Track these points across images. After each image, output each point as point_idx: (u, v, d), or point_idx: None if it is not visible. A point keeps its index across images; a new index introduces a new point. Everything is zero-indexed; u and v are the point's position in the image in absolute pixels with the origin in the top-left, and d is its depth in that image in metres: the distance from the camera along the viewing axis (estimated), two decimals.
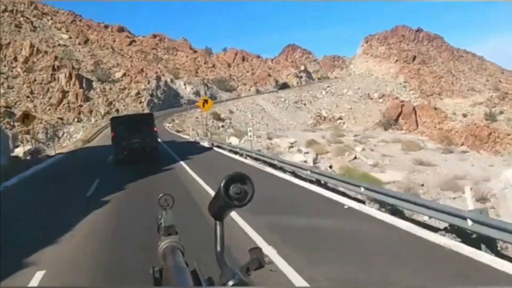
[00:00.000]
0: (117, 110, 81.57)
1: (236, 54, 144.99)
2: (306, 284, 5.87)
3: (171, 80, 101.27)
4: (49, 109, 73.61)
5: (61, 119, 72.91)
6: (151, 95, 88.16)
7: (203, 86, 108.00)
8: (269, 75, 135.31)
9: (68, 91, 79.30)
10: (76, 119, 74.98)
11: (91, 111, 78.18)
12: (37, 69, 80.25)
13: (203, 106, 34.36)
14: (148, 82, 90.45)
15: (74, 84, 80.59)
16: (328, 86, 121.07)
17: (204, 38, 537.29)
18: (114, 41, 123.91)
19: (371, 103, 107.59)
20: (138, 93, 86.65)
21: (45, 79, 79.08)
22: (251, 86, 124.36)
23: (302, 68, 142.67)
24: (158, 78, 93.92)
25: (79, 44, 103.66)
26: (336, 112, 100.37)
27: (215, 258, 0.91)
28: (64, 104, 76.47)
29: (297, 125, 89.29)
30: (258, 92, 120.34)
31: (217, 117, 75.40)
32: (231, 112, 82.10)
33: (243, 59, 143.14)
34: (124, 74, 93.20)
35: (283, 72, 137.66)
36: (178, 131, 51.13)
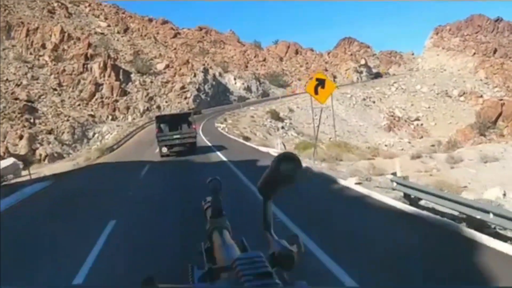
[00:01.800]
0: (159, 107, 69.43)
1: (288, 47, 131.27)
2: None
3: (220, 74, 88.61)
4: (79, 105, 62.23)
5: (93, 116, 61.34)
6: (198, 89, 75.66)
7: (255, 81, 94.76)
8: (326, 70, 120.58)
9: (102, 84, 67.81)
10: (110, 117, 63.23)
11: (128, 108, 66.33)
12: (67, 58, 69.21)
13: (316, 92, 20.15)
14: (195, 75, 78.04)
15: (109, 76, 69.07)
16: (395, 82, 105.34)
17: (253, 31, 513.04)
18: (158, 33, 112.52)
19: (451, 102, 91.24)
20: (183, 87, 74.36)
21: (75, 70, 67.90)
22: (307, 82, 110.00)
23: (363, 62, 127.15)
24: (205, 71, 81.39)
25: (118, 32, 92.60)
26: (412, 111, 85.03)
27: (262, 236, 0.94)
28: (96, 99, 65.00)
29: (369, 127, 74.61)
30: None
31: (276, 116, 61.91)
32: (290, 110, 68.53)
33: (297, 52, 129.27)
34: (168, 66, 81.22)
35: (342, 67, 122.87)
36: (246, 138, 36.81)
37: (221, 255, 1.01)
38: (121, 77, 70.69)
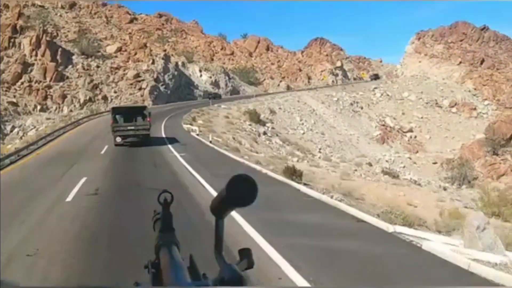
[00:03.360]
0: (105, 98, 55.06)
1: (258, 42, 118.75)
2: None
3: (183, 64, 74.77)
4: None
5: (15, 104, 46.47)
6: (156, 79, 61.62)
7: (224, 75, 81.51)
8: (300, 70, 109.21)
9: (33, 64, 52.78)
10: (38, 107, 48.43)
11: (64, 96, 51.60)
12: None
13: None
14: (153, 62, 63.93)
15: (43, 55, 54.09)
16: (376, 88, 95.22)
17: (217, 24, 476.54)
18: (112, 17, 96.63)
19: (442, 112, 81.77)
20: (137, 76, 60.14)
21: None
22: (280, 81, 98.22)
23: (339, 64, 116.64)
24: (166, 58, 67.35)
25: (63, 7, 76.78)
26: (404, 121, 74.55)
27: (206, 254, 0.95)
28: (22, 83, 49.97)
29: (360, 136, 63.19)
30: (288, 88, 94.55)
31: (256, 118, 49.05)
32: (272, 112, 55.87)
33: (267, 49, 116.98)
34: (120, 49, 66.65)
35: (316, 67, 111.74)
36: (234, 149, 24.14)
37: (168, 274, 0.99)
38: (58, 57, 55.70)
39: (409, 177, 52.82)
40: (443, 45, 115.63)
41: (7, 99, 45.95)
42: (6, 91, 47.42)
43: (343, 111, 69.81)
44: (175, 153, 20.24)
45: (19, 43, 54.14)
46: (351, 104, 73.61)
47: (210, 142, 25.15)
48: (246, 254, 0.94)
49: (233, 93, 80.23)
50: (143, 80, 60.07)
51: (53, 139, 29.44)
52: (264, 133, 47.54)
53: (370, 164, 50.51)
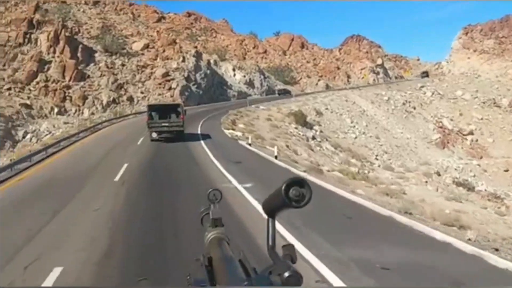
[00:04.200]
0: (131, 99, 49.10)
1: (292, 40, 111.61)
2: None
3: (215, 62, 68.28)
4: (10, 89, 41.51)
5: (28, 107, 40.73)
6: (187, 78, 55.27)
7: (259, 74, 74.67)
8: (338, 68, 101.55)
9: (50, 62, 47.18)
10: (55, 109, 42.68)
11: (85, 98, 45.77)
12: (2, 23, 48.27)
13: None
14: (183, 60, 57.62)
15: (62, 52, 48.44)
16: (423, 86, 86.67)
17: (247, 22, 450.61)
18: (139, 15, 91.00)
19: (502, 113, 72.83)
20: (166, 74, 53.90)
21: (13, 40, 47.08)
22: (318, 80, 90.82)
23: (379, 62, 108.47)
24: (198, 55, 60.97)
25: (86, 3, 71.38)
26: (462, 122, 66.09)
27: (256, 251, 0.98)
28: (38, 83, 44.36)
29: (417, 140, 55.26)
30: (328, 87, 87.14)
31: (302, 121, 41.99)
32: (318, 113, 48.65)
33: (302, 46, 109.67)
34: (147, 46, 60.62)
35: (356, 65, 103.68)
36: (318, 171, 17.09)
37: (221, 269, 1.02)
38: (79, 55, 49.94)
39: (482, 188, 44.87)
40: (494, 40, 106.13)
41: (19, 101, 40.19)
42: (19, 91, 41.72)
43: (395, 112, 62.01)
44: (234, 182, 12.59)
45: (36, 39, 48.54)
46: (403, 103, 65.59)
47: (276, 157, 17.79)
48: (289, 250, 0.95)
49: (268, 93, 73.40)
50: (172, 79, 53.78)
51: (56, 151, 22.89)
52: (313, 138, 40.47)
53: (439, 174, 42.84)
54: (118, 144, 23.76)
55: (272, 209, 0.94)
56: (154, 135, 24.30)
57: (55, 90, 43.92)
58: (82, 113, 44.49)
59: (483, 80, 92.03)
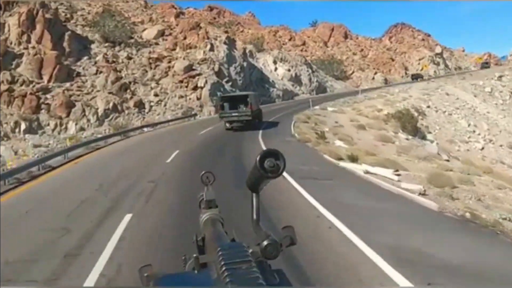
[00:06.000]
0: (140, 105, 33.79)
1: (332, 30, 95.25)
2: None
3: (251, 54, 52.58)
4: None
5: None
6: (218, 73, 39.77)
7: (306, 67, 58.61)
8: (392, 60, 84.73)
9: (20, 55, 32.29)
10: (23, 125, 27.46)
11: (71, 105, 30.67)
12: None
13: None
14: (211, 48, 42.13)
15: (39, 41, 33.64)
16: (501, 76, 68.90)
17: (271, 17, 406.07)
18: (152, 5, 75.94)
19: None
20: (189, 68, 38.51)
21: None
22: (374, 73, 74.31)
23: (438, 50, 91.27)
24: (230, 42, 45.45)
25: None
26: None
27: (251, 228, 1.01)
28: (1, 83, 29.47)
29: None
30: (386, 82, 70.70)
31: (412, 125, 25.69)
32: (420, 112, 32.45)
33: (346, 36, 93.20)
34: (163, 34, 45.45)
35: (411, 55, 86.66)
36: None
37: (211, 246, 1.04)
38: (65, 45, 34.94)
39: None
40: None
41: None
42: None
43: (504, 106, 45.18)
44: None
45: (3, 24, 33.69)
46: (511, 95, 48.60)
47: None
48: (289, 231, 0.97)
49: (318, 91, 57.44)
50: (198, 74, 38.25)
51: None
52: (438, 154, 24.17)
53: None
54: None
55: (253, 184, 0.95)
56: (228, 125, 25.27)
57: (24, 95, 28.84)
58: (66, 128, 29.26)
59: None
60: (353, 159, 12.45)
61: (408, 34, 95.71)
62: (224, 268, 0.80)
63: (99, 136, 26.09)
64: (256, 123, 25.77)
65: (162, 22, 50.36)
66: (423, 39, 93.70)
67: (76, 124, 29.67)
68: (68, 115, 29.97)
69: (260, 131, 22.86)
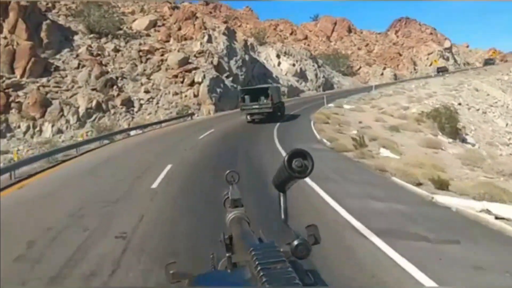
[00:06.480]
0: (127, 103, 29.29)
1: (335, 24, 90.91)
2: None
3: (252, 47, 48.32)
4: None
5: None
6: (217, 67, 35.49)
7: (311, 61, 54.37)
8: (400, 54, 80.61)
9: None
10: None
11: (46, 104, 26.12)
12: None
13: None
14: (209, 40, 37.85)
15: (12, 31, 29.29)
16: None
17: (269, 11, 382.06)
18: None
19: None
20: (185, 61, 34.23)
21: None
22: (383, 69, 70.18)
23: (447, 45, 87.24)
24: (230, 33, 41.20)
25: None
26: None
27: (278, 229, 1.00)
28: None
29: None
30: (396, 78, 66.65)
31: (452, 126, 21.42)
32: (450, 110, 27.93)
33: (350, 30, 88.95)
34: (155, 24, 41.15)
35: (420, 50, 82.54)
36: None
37: (240, 245, 1.04)
38: (43, 35, 30.63)
39: None
40: None
41: None
42: None
43: None
44: None
45: None
46: None
47: None
48: (313, 230, 0.96)
49: (325, 88, 53.25)
50: (195, 68, 33.95)
51: None
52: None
53: None
54: None
55: (280, 184, 0.95)
56: (249, 117, 25.67)
57: None
58: (41, 131, 24.92)
59: None
60: (440, 184, 8.14)
61: (415, 28, 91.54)
62: (259, 268, 0.79)
63: (67, 144, 20.82)
64: (278, 116, 25.76)
65: (154, 12, 45.93)
66: (431, 33, 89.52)
67: (52, 126, 25.35)
68: (43, 115, 25.63)
69: (275, 133, 18.49)
